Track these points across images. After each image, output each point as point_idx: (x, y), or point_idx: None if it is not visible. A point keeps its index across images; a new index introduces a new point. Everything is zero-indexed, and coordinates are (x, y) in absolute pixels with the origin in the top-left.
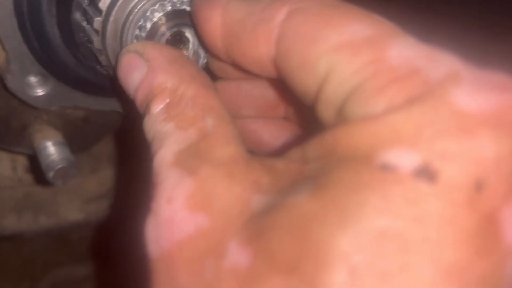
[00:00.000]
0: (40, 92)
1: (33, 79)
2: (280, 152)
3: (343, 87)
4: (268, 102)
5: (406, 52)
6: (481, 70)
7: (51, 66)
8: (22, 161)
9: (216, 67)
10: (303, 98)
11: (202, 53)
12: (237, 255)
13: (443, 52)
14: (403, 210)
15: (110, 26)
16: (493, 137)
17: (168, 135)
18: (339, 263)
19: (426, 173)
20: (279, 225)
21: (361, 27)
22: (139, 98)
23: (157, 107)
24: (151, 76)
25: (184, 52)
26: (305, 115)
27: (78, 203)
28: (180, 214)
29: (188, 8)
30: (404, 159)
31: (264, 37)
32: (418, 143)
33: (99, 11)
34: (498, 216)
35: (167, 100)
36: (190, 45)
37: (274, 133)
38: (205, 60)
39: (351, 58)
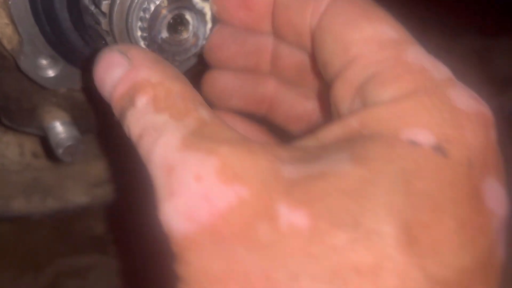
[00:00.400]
0: (50, 73)
1: (43, 61)
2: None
3: (366, 70)
4: (255, 97)
5: (419, 56)
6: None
7: (61, 48)
8: (29, 147)
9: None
10: (326, 73)
11: (201, 35)
12: (293, 216)
13: (442, 63)
14: (431, 176)
15: (117, 8)
16: (478, 130)
17: (166, 124)
18: (396, 216)
19: (441, 150)
20: (333, 189)
21: (389, 29)
22: (118, 94)
23: (142, 100)
24: (134, 72)
25: (185, 34)
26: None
27: (83, 187)
28: (215, 188)
29: None
30: (424, 137)
31: (312, 9)
32: (431, 126)
33: None
34: (481, 188)
35: (152, 94)
36: (190, 27)
37: (250, 131)
38: (204, 42)
39: (378, 50)
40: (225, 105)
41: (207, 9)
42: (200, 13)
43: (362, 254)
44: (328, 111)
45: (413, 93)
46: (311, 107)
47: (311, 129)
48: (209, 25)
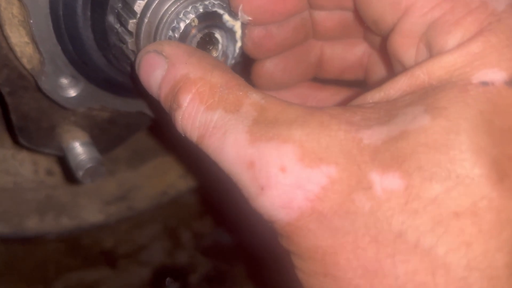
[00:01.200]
0: (71, 93)
1: (65, 80)
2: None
3: (424, 19)
4: (305, 66)
5: None
6: None
7: (83, 68)
8: (44, 164)
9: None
10: (378, 29)
11: (230, 54)
12: (386, 181)
13: None
14: (509, 110)
15: (144, 28)
16: None
17: (225, 120)
18: (484, 156)
19: None
20: (417, 146)
21: None
22: (163, 95)
23: (185, 98)
24: (173, 70)
25: (214, 53)
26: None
27: (98, 205)
28: (303, 174)
29: (219, 11)
30: (495, 75)
31: None
32: (500, 63)
33: (133, 13)
34: None
35: (193, 90)
36: (220, 46)
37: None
38: (233, 61)
39: None
40: (281, 86)
41: (237, 27)
42: (230, 32)
43: (459, 199)
44: (380, 49)
45: (478, 34)
46: (361, 51)
47: (367, 73)
48: (239, 43)
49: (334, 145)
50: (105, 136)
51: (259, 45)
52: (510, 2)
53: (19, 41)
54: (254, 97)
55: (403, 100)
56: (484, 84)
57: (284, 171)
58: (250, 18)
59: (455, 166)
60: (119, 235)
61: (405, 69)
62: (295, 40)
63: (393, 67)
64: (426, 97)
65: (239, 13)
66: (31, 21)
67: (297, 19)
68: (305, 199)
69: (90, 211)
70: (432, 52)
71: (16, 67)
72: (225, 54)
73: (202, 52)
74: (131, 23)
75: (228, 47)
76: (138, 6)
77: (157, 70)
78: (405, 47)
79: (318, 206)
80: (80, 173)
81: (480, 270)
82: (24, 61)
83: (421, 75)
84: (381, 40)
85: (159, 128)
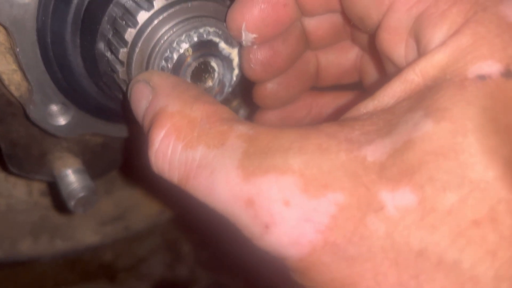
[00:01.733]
0: (61, 121)
1: (54, 108)
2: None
3: (409, 14)
4: (304, 79)
5: None
6: None
7: (73, 95)
8: (37, 185)
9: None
10: (364, 26)
11: (227, 82)
12: (397, 198)
13: None
14: (508, 102)
15: (136, 57)
16: None
17: (211, 157)
18: (496, 157)
19: (509, 74)
20: (425, 155)
21: None
22: (145, 125)
23: (159, 134)
24: (155, 102)
25: (209, 81)
26: None
27: (93, 225)
28: (309, 206)
29: (214, 39)
30: (490, 68)
31: None
32: (493, 54)
33: (124, 42)
34: None
35: (168, 125)
36: (216, 75)
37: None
38: (230, 89)
39: None
40: (286, 102)
41: (234, 55)
42: (226, 60)
43: (476, 206)
44: (370, 50)
45: (465, 26)
46: (354, 55)
47: (361, 75)
48: (236, 71)
49: (337, 168)
50: (99, 161)
51: (268, 66)
52: None
53: (7, 68)
54: (241, 129)
55: (401, 106)
56: (481, 78)
57: (288, 205)
58: (255, 36)
59: (467, 171)
60: (118, 248)
61: (396, 66)
62: (297, 53)
63: (384, 66)
64: (424, 99)
65: (243, 33)
66: (18, 50)
67: (296, 30)
68: (315, 232)
69: (85, 232)
70: (420, 47)
71: (3, 94)
72: (221, 82)
73: (188, 85)
74: (122, 52)
75: (225, 75)
76: (129, 35)
77: (143, 100)
78: (394, 43)
79: (330, 237)
80: (72, 203)
81: (509, 279)
82: (12, 88)
83: (415, 78)
84: (369, 40)
85: None
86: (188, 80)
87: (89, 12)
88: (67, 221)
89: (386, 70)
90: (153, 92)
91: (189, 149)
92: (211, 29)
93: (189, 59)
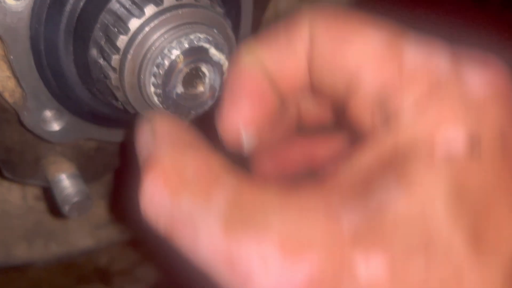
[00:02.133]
0: (55, 127)
1: (48, 114)
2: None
3: (373, 87)
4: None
5: (418, 51)
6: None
7: (66, 102)
8: (32, 189)
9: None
10: (333, 96)
11: (217, 86)
12: (370, 266)
13: (437, 41)
14: (476, 183)
15: (128, 64)
16: (497, 110)
17: (195, 211)
18: (461, 228)
19: (475, 151)
20: (395, 222)
21: (377, 32)
22: (140, 164)
23: (149, 174)
24: (151, 144)
25: (201, 87)
26: None
27: (88, 229)
28: (287, 267)
29: (205, 45)
30: (457, 144)
31: (298, 44)
32: (458, 127)
33: (116, 49)
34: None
35: (158, 169)
36: (207, 80)
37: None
38: (220, 93)
39: (375, 61)
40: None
41: (224, 60)
42: (217, 65)
43: (441, 269)
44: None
45: (430, 94)
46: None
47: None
48: (226, 76)
49: (315, 232)
50: (93, 165)
51: (278, 172)
52: (453, 59)
53: (0, 75)
54: (227, 183)
55: (375, 172)
56: (448, 157)
57: (266, 264)
58: (255, 141)
59: (434, 236)
60: (113, 252)
61: (364, 131)
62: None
63: (355, 130)
64: (396, 167)
65: (244, 141)
66: (11, 57)
67: (291, 111)
68: None
69: (80, 236)
70: (388, 117)
71: None
72: (212, 88)
73: (182, 129)
74: (115, 59)
75: (215, 80)
76: (121, 42)
77: (146, 146)
78: (361, 113)
79: None
80: (66, 208)
81: None
82: (6, 95)
83: (386, 147)
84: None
85: None
86: (180, 86)
87: (82, 20)
88: (62, 225)
89: (356, 133)
90: (151, 134)
91: (175, 196)
92: (202, 36)
93: (180, 65)
